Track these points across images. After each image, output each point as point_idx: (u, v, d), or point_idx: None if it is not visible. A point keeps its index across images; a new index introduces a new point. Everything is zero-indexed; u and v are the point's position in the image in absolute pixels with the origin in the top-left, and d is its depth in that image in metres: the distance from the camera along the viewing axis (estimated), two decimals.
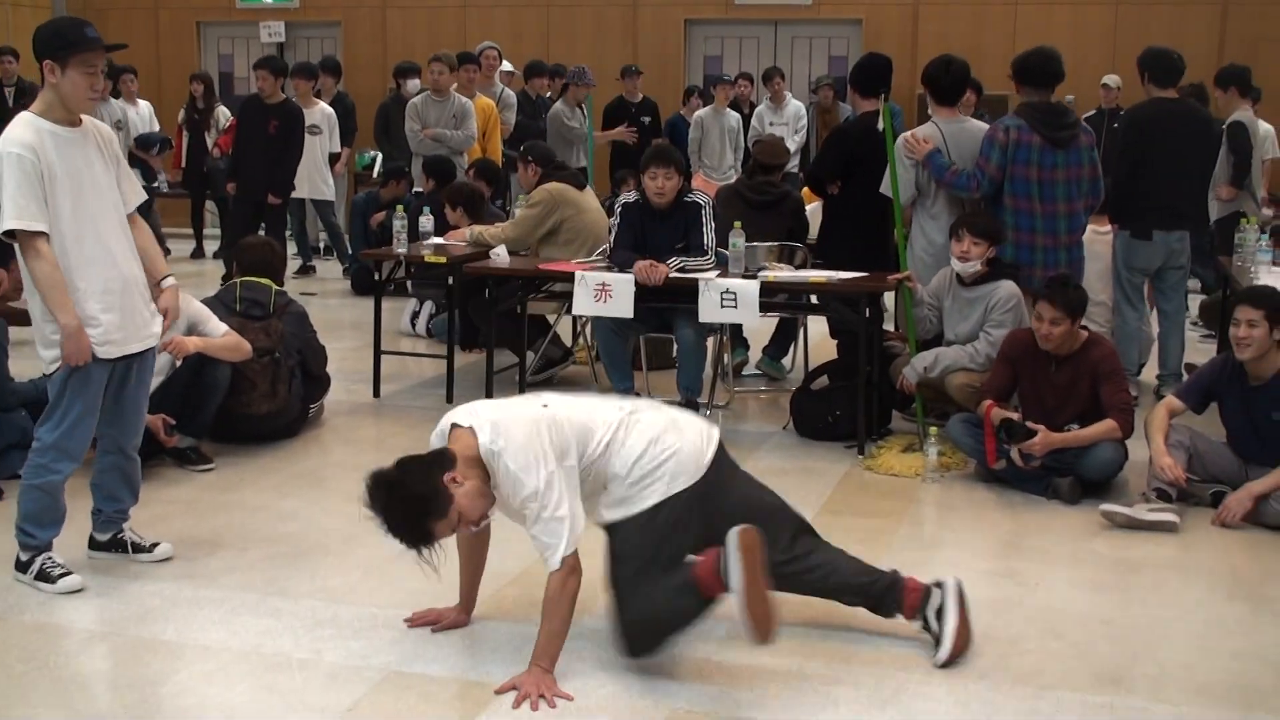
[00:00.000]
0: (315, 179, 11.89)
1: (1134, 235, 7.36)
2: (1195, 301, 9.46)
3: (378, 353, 7.55)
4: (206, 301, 6.31)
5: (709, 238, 6.78)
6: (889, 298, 7.17)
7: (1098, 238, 7.52)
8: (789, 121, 13.32)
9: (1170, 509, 5.41)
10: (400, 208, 7.85)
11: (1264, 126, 11.08)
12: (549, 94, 12.76)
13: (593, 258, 7.19)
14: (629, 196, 7.08)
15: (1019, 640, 4.23)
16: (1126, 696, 3.83)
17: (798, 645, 4.12)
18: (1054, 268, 6.54)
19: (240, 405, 6.24)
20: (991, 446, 5.81)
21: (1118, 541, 5.27)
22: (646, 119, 13.29)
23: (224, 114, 13.36)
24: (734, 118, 13.14)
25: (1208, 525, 5.47)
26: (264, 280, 6.59)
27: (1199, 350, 8.45)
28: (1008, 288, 6.44)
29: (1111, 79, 13.15)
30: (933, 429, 6.20)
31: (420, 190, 10.35)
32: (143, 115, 13.32)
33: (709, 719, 3.67)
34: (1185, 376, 7.00)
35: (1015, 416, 5.76)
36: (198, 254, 13.79)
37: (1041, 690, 3.85)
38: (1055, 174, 6.61)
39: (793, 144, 12.81)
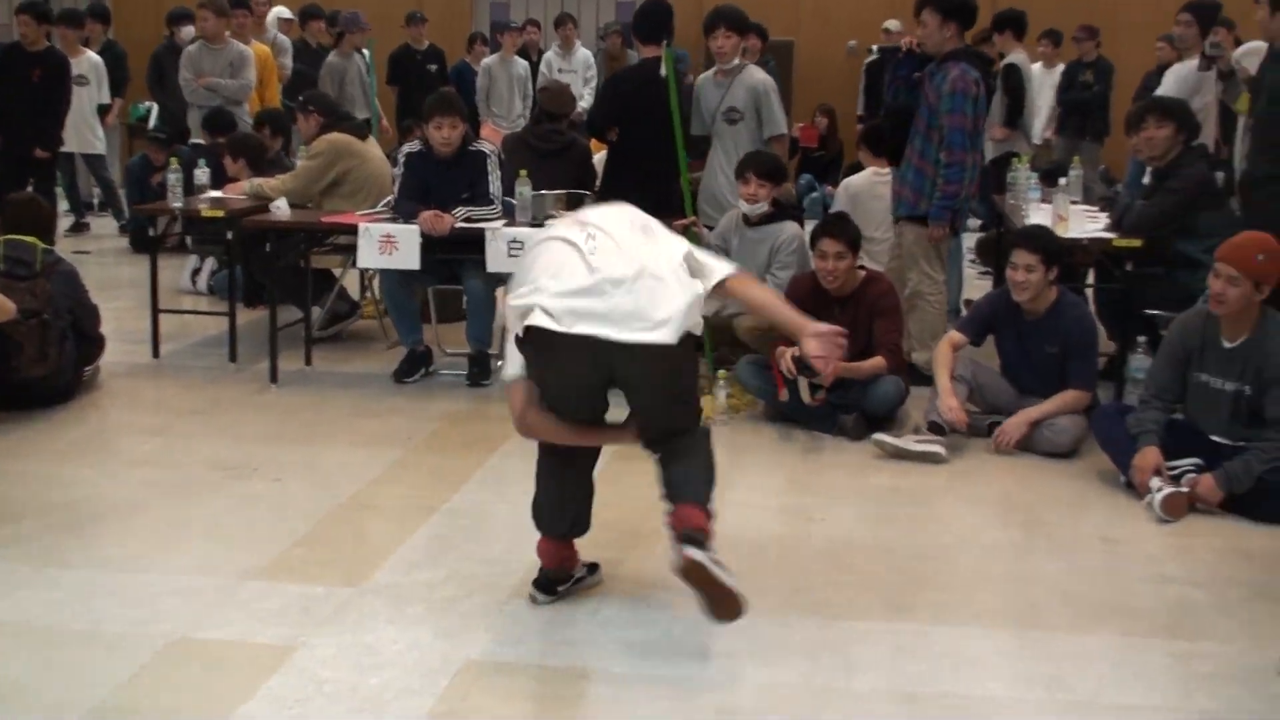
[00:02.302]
0: (85, 132, 11.41)
1: None
2: (972, 239, 9.78)
3: (155, 311, 7.30)
4: None
5: (495, 186, 6.72)
6: None
7: (878, 179, 7.68)
8: (578, 69, 13.27)
9: (940, 441, 5.60)
10: (175, 160, 7.57)
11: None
12: (331, 41, 12.45)
13: (377, 209, 7.06)
14: (412, 146, 6.97)
15: (808, 573, 4.33)
16: (909, 622, 3.95)
17: (592, 591, 4.15)
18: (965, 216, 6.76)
19: (9, 370, 5.96)
20: (780, 381, 5.92)
21: (901, 473, 5.44)
22: (432, 67, 13.10)
23: None
24: (522, 65, 13.02)
25: (986, 455, 5.69)
26: (30, 239, 6.29)
27: (976, 286, 8.74)
28: (791, 228, 6.57)
29: (893, 23, 13.43)
30: (722, 372, 6.28)
31: (198, 142, 10.02)
32: None
33: (505, 668, 3.66)
34: (963, 311, 7.22)
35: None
36: None
37: (829, 620, 3.94)
38: (980, 123, 6.68)
39: (586, 92, 12.77)
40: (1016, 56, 9.98)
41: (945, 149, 6.46)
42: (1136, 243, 6.17)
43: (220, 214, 7.20)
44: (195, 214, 7.34)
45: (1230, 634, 3.94)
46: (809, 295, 6.10)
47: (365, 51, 11.67)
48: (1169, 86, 8.73)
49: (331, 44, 12.28)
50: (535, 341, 3.70)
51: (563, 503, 4.01)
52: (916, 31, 6.84)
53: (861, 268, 6.16)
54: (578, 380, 3.78)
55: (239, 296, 7.58)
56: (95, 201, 12.94)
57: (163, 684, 3.54)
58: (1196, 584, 4.32)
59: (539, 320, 3.65)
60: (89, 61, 11.50)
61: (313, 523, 4.75)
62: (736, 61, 7.17)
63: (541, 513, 4.03)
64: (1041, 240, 5.78)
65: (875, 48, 13.78)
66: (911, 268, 6.68)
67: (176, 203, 7.33)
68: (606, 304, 3.63)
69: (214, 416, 6.22)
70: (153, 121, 12.25)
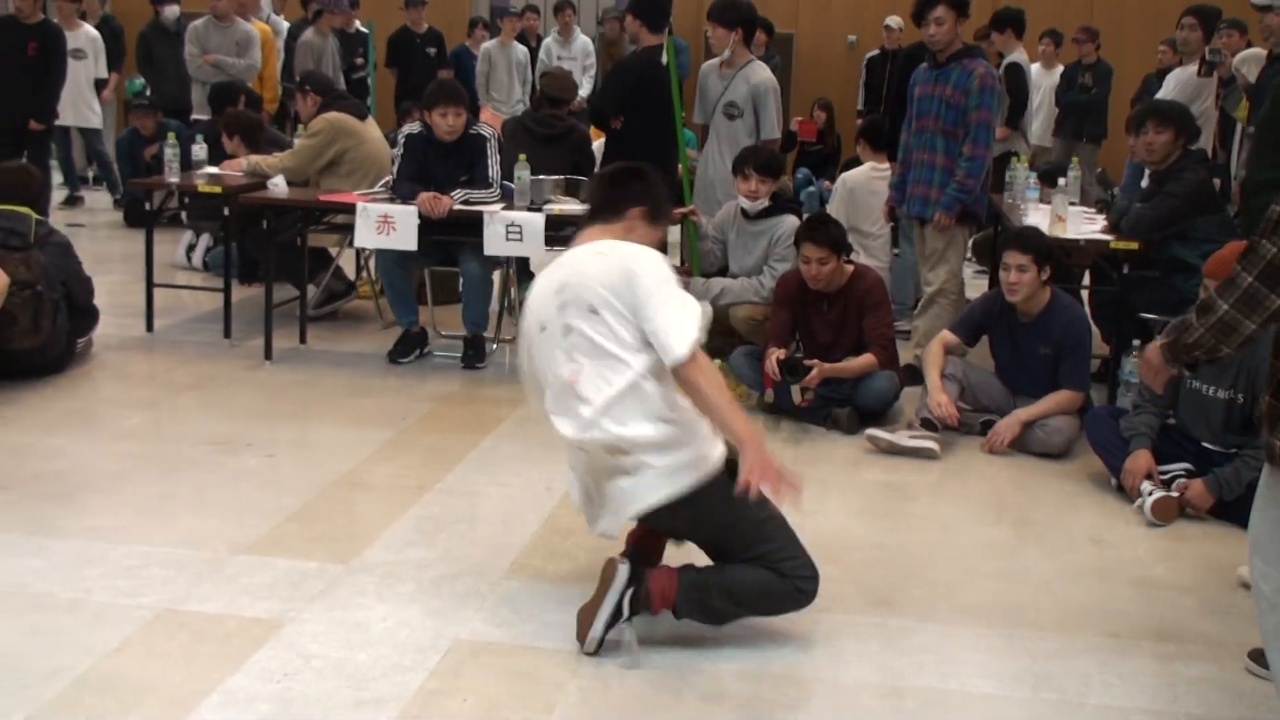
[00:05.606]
0: (81, 106, 11.35)
1: None
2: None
3: (150, 285, 7.28)
4: None
5: (494, 170, 6.71)
6: (674, 231, 7.21)
7: (876, 174, 7.68)
8: (577, 56, 13.23)
9: (933, 436, 5.60)
10: (172, 135, 7.54)
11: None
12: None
13: (375, 189, 7.04)
14: (412, 128, 6.95)
15: None
16: (897, 617, 3.95)
17: (584, 575, 4.15)
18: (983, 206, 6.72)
19: (1, 340, 5.95)
20: (768, 382, 5.93)
21: (893, 469, 5.44)
22: (432, 50, 13.08)
23: None
24: (521, 51, 13.00)
25: (978, 453, 5.69)
26: (23, 209, 6.27)
27: (973, 285, 8.72)
28: (790, 222, 6.55)
29: (894, 20, 13.38)
30: (716, 362, 6.27)
31: (200, 118, 10.00)
32: None
33: (496, 648, 3.66)
34: None
35: (797, 355, 5.88)
36: None
37: (817, 614, 3.92)
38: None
39: (585, 80, 12.75)
40: (1018, 56, 9.98)
41: (970, 143, 6.39)
42: (1134, 245, 6.17)
43: (217, 190, 7.18)
44: (192, 189, 7.31)
45: (1216, 638, 3.94)
46: (797, 293, 6.10)
47: (365, 29, 11.60)
48: (1169, 91, 8.73)
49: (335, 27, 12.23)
50: None
51: None
52: (929, 29, 6.62)
53: (850, 263, 6.15)
54: None
55: (234, 273, 7.57)
56: (90, 175, 12.89)
57: (150, 654, 3.53)
58: (1184, 588, 4.33)
59: None
60: (86, 35, 11.44)
61: (304, 499, 4.75)
62: (728, 53, 7.15)
63: None
64: (1033, 241, 5.77)
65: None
66: (939, 265, 6.64)
67: (173, 178, 7.31)
68: None
69: (206, 392, 6.20)
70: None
